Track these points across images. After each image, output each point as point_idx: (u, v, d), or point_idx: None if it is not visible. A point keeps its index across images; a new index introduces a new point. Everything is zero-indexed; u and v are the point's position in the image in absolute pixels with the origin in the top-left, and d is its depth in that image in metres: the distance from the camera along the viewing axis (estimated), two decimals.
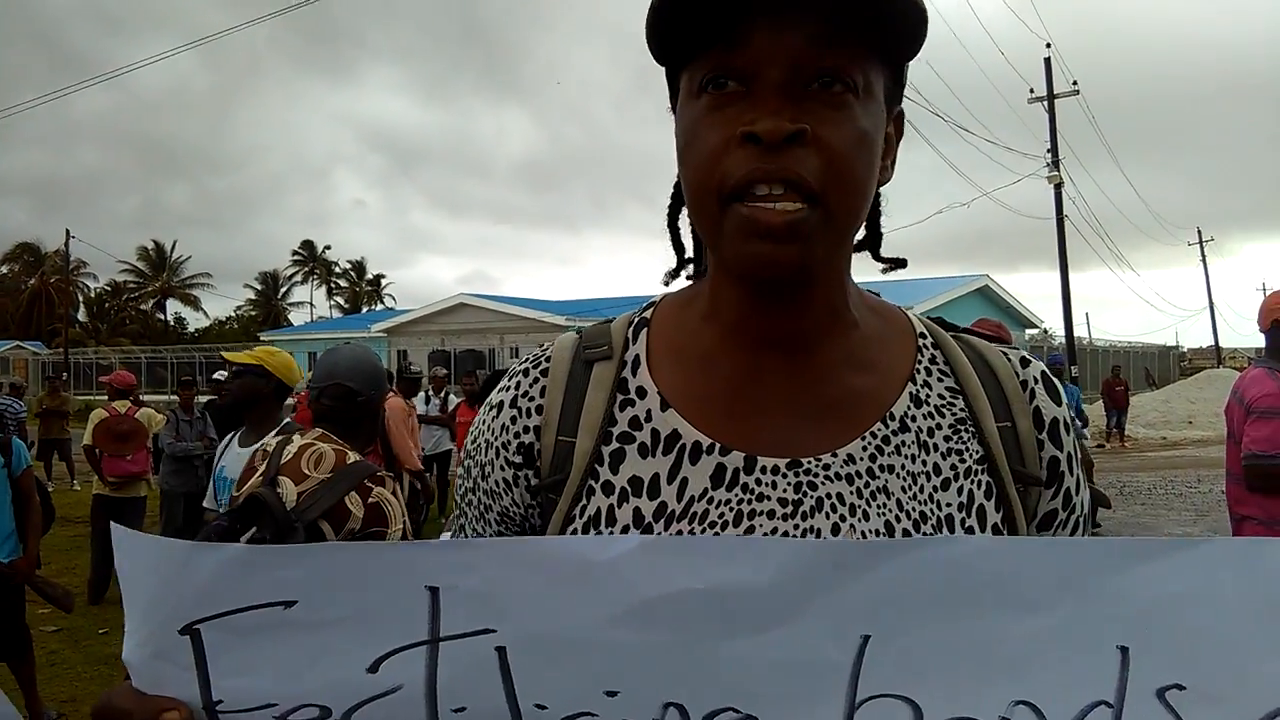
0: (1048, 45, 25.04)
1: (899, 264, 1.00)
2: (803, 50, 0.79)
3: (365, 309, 70.94)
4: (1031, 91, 25.41)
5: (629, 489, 0.88)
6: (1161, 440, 23.95)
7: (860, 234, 0.97)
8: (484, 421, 0.98)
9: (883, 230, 0.99)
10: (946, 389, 0.93)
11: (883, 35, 0.81)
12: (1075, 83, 25.80)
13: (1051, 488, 0.93)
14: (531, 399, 0.95)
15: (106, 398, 8.97)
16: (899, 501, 0.86)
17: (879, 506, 0.86)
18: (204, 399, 10.04)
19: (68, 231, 43.88)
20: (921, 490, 0.87)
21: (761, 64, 0.79)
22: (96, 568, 7.82)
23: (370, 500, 2.57)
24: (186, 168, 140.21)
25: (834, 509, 0.86)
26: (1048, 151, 24.33)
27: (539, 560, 0.76)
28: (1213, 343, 52.37)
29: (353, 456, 2.68)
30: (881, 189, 0.94)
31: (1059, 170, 24.06)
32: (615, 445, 0.90)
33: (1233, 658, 0.73)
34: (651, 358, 0.94)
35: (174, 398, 10.19)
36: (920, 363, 0.94)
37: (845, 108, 0.80)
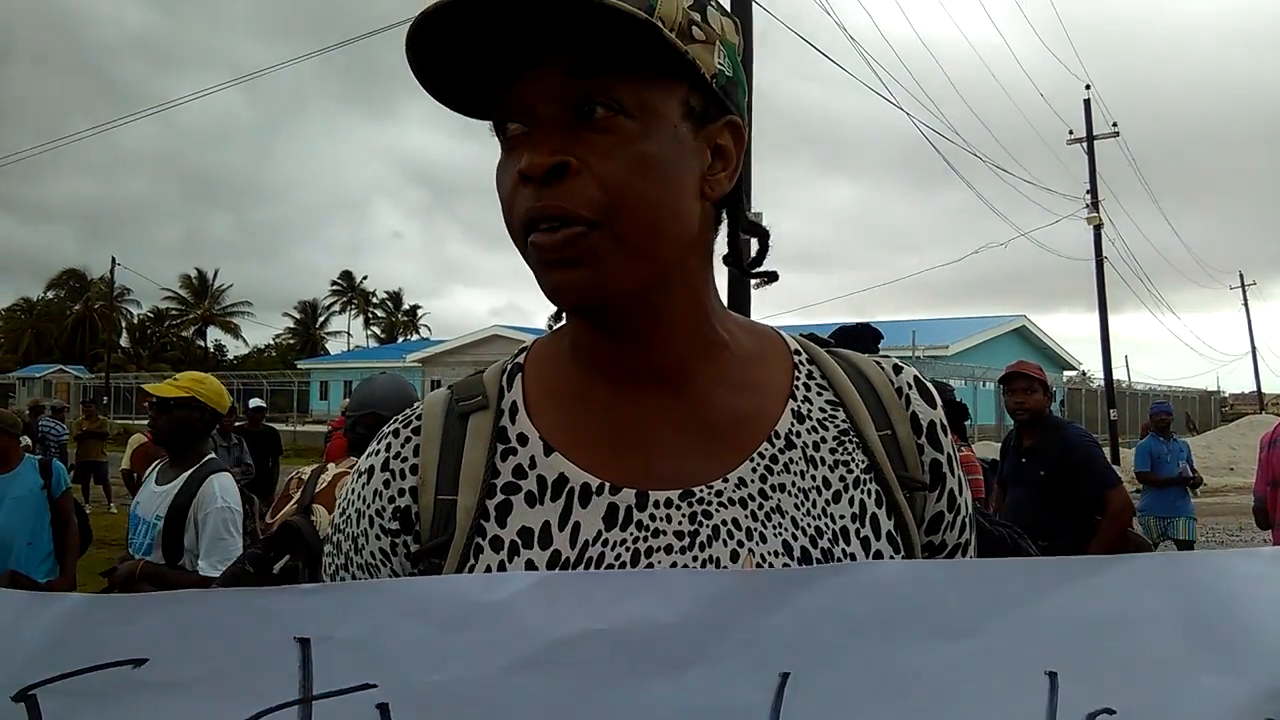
0: (1087, 87, 25.00)
1: (769, 278, 0.98)
2: (560, 84, 0.80)
3: (401, 339, 71.57)
4: (1071, 133, 25.33)
5: (519, 541, 0.84)
6: (1202, 486, 23.52)
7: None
8: (353, 490, 0.93)
9: (760, 254, 0.97)
10: (826, 402, 0.93)
11: (632, 54, 0.80)
12: (1115, 124, 25.69)
13: (935, 490, 0.94)
14: (405, 459, 0.90)
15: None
16: (794, 519, 0.86)
17: (775, 526, 0.85)
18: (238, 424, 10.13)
19: (113, 259, 44.92)
20: (814, 505, 0.87)
21: (527, 104, 0.81)
22: None
23: None
24: (229, 198, 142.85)
25: (730, 535, 0.84)
26: (1087, 193, 24.20)
27: (423, 604, 0.70)
28: (1255, 388, 51.53)
29: None
30: (759, 210, 0.95)
31: (1098, 212, 23.90)
32: (500, 497, 0.86)
33: (1162, 677, 0.70)
34: (529, 403, 0.91)
35: None
36: (798, 378, 0.94)
37: (617, 132, 0.80)
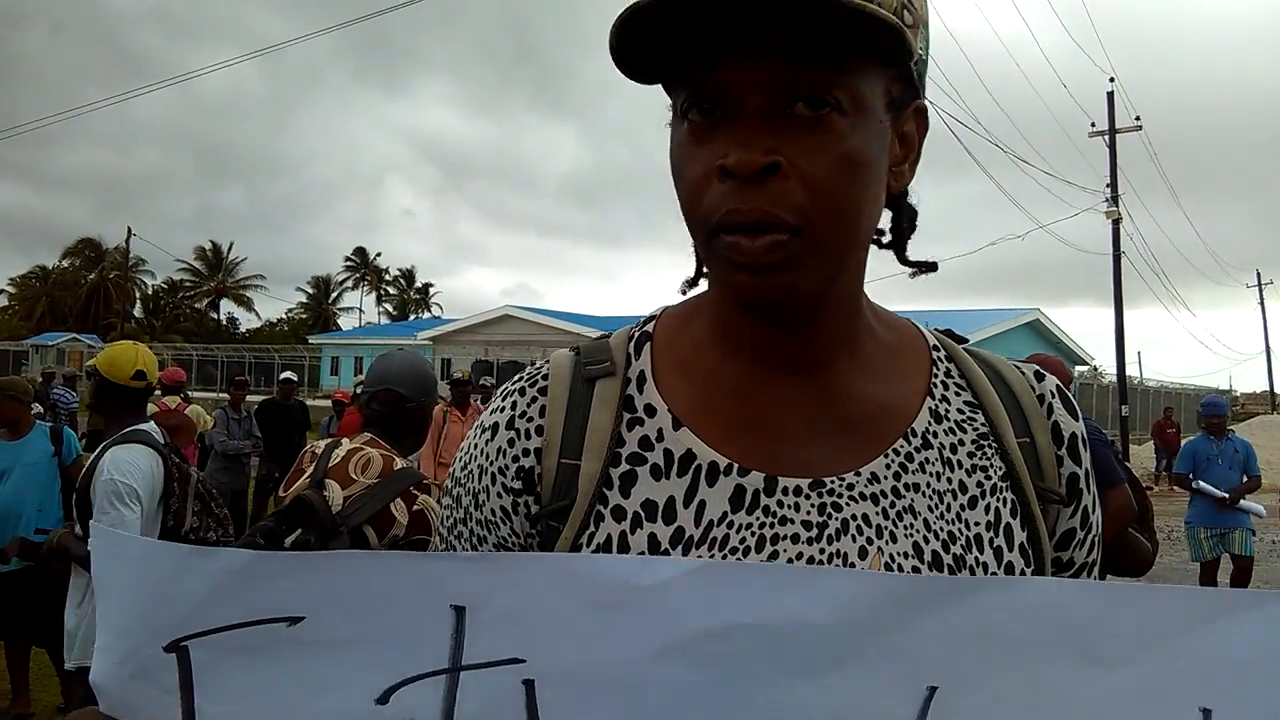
0: (1111, 79, 24.74)
1: (928, 267, 0.93)
2: (778, 72, 0.74)
3: (412, 317, 71.72)
4: (1093, 125, 25.10)
5: (643, 513, 0.83)
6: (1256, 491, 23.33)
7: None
8: (476, 445, 0.91)
9: (906, 236, 0.92)
10: (965, 403, 0.90)
11: (861, 48, 0.75)
12: (1138, 118, 25.45)
13: (1071, 505, 0.90)
14: (530, 419, 0.89)
15: (159, 393, 9.11)
16: (926, 521, 0.83)
17: (906, 527, 0.82)
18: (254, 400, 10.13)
19: (129, 229, 45.12)
20: (949, 509, 0.84)
21: (736, 90, 0.75)
22: None
23: (415, 508, 2.56)
24: (244, 172, 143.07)
25: (860, 531, 0.81)
26: (1107, 186, 23.99)
27: (578, 581, 0.69)
28: (1268, 388, 51.24)
29: (400, 462, 2.67)
30: (910, 188, 0.89)
31: (1118, 206, 23.71)
32: (625, 467, 0.85)
33: None
34: (658, 374, 0.89)
35: (224, 395, 10.30)
36: (936, 376, 0.90)
37: (829, 130, 0.76)
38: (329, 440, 2.80)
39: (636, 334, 0.93)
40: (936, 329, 0.97)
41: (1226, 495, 7.68)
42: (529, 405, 0.90)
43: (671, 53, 0.77)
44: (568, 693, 0.67)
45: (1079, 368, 38.10)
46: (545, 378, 0.91)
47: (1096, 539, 0.93)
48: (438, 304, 78.23)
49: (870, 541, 0.81)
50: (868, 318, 0.90)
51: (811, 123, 0.75)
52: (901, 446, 0.85)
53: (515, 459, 0.88)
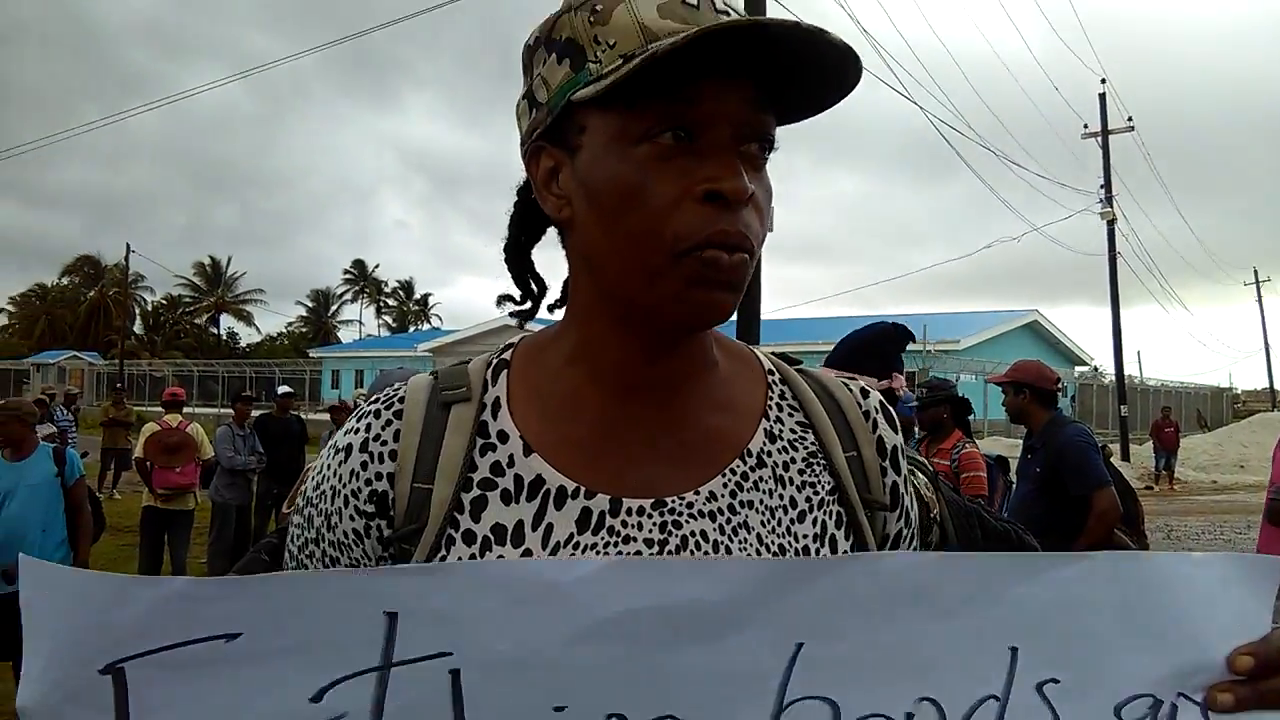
0: (1103, 80, 24.85)
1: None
2: (745, 111, 0.82)
3: (412, 328, 71.67)
4: (1085, 127, 25.19)
5: (492, 537, 0.86)
6: (1212, 484, 23.35)
7: None
8: (329, 467, 0.92)
9: None
10: (797, 423, 0.96)
11: (817, 102, 0.86)
12: (1130, 119, 25.54)
13: (895, 510, 0.98)
14: (385, 443, 0.90)
15: (162, 411, 9.20)
16: (759, 536, 0.89)
17: (740, 542, 0.88)
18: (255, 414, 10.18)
19: (128, 245, 44.86)
20: (780, 524, 0.90)
21: (710, 121, 0.81)
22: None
23: None
24: (239, 187, 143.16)
25: (698, 546, 0.87)
26: (1101, 187, 24.07)
27: (505, 583, 0.75)
28: (1268, 385, 51.20)
29: None
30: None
31: (1112, 206, 23.78)
32: (476, 492, 0.88)
33: (1100, 654, 0.83)
34: (512, 401, 0.92)
35: (224, 411, 10.32)
36: (771, 399, 0.97)
37: (763, 167, 0.85)
38: None
39: (495, 361, 0.96)
40: (773, 353, 1.04)
41: None
42: (383, 428, 0.91)
43: (659, 81, 0.80)
44: (490, 677, 0.74)
45: (1079, 368, 38.10)
46: (401, 400, 0.92)
47: (915, 531, 1.03)
48: (437, 315, 78.30)
49: (707, 555, 0.87)
50: (711, 345, 0.96)
51: (758, 161, 0.84)
52: (738, 466, 0.91)
53: (368, 482, 0.90)
